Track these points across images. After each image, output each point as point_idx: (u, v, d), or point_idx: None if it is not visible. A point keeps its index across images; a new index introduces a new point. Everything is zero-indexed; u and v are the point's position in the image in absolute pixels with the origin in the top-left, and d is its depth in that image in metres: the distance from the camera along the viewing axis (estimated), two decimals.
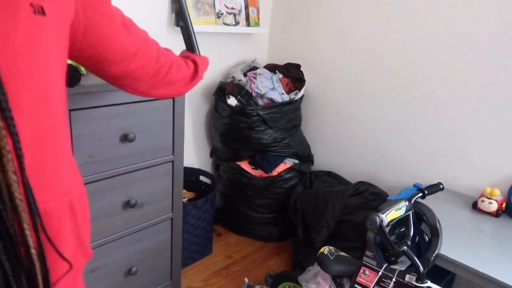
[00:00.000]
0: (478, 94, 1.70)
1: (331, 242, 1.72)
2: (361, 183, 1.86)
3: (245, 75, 2.21)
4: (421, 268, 1.11)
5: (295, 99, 2.18)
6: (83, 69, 1.17)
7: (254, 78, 2.16)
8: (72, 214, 0.71)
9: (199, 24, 1.95)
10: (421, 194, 1.26)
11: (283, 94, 2.17)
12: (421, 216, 1.27)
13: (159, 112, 1.37)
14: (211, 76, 2.25)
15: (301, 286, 1.44)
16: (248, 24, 2.20)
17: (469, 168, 1.77)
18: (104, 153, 1.25)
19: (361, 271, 1.24)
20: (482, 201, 1.59)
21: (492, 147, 1.69)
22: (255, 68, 2.30)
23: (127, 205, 1.37)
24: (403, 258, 1.24)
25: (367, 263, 1.24)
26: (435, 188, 1.30)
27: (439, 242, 1.19)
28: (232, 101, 2.06)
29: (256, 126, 2.05)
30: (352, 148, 2.21)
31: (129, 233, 1.42)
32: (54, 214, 0.65)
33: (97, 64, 0.78)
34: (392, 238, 1.24)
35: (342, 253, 1.36)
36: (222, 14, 2.05)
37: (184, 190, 2.16)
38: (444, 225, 1.38)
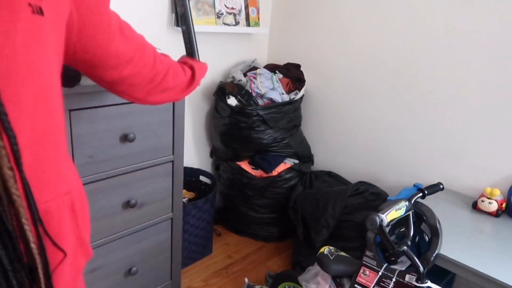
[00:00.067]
0: (478, 94, 1.70)
1: (331, 242, 1.72)
2: (361, 183, 1.86)
3: (245, 75, 2.21)
4: (421, 268, 1.11)
5: (295, 99, 2.18)
6: None
7: (254, 78, 2.16)
8: (73, 214, 0.71)
9: (199, 24, 1.95)
10: (421, 194, 1.26)
11: (283, 94, 2.17)
12: (421, 216, 1.27)
13: (159, 112, 1.37)
14: (211, 76, 2.25)
15: (301, 286, 1.44)
16: (248, 24, 2.20)
17: (469, 168, 1.77)
18: (104, 153, 1.25)
19: (361, 271, 1.24)
20: (482, 201, 1.59)
21: (492, 147, 1.69)
22: (255, 68, 2.30)
23: (127, 205, 1.37)
24: (403, 258, 1.24)
25: (367, 263, 1.24)
26: (435, 188, 1.30)
27: (439, 242, 1.19)
28: (232, 101, 2.06)
29: (256, 126, 2.05)
30: (352, 148, 2.21)
31: (129, 233, 1.42)
32: (55, 214, 0.66)
33: (91, 69, 0.77)
34: (392, 238, 1.24)
35: (342, 253, 1.36)
36: (222, 14, 2.05)
37: (184, 190, 2.17)
38: (444, 225, 1.38)
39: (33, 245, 0.55)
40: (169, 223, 1.56)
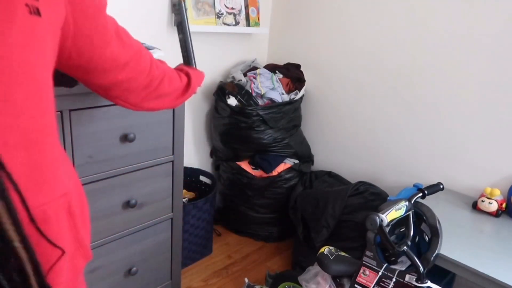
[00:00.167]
0: (478, 94, 1.70)
1: (331, 242, 1.72)
2: (361, 183, 1.86)
3: (245, 75, 2.21)
4: (421, 268, 1.11)
5: (295, 99, 2.18)
6: None
7: (254, 78, 2.16)
8: (70, 216, 0.70)
9: (199, 24, 1.95)
10: (421, 194, 1.26)
11: (283, 94, 2.17)
12: (421, 216, 1.27)
13: (159, 112, 1.37)
14: (211, 76, 2.25)
15: (301, 286, 1.44)
16: (248, 24, 2.20)
17: (469, 168, 1.77)
18: (104, 153, 1.25)
19: (361, 271, 1.24)
20: (482, 201, 1.59)
21: (492, 147, 1.69)
22: (255, 68, 2.30)
23: (127, 205, 1.37)
24: (403, 258, 1.24)
25: (367, 263, 1.24)
26: (435, 188, 1.30)
27: (439, 242, 1.19)
28: (232, 101, 2.06)
29: (256, 126, 2.05)
30: (352, 148, 2.21)
31: (129, 233, 1.42)
32: (52, 216, 0.65)
33: (86, 74, 0.77)
34: (392, 238, 1.24)
35: (342, 253, 1.36)
36: (222, 14, 2.05)
37: (184, 190, 2.17)
38: (444, 225, 1.38)
39: (17, 244, 0.54)
40: (169, 223, 1.56)
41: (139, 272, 1.51)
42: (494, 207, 1.57)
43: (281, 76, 2.26)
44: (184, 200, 2.08)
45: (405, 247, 1.12)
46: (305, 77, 2.27)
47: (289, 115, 2.14)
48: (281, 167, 2.15)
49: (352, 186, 1.83)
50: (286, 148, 2.14)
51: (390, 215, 1.13)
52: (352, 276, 1.26)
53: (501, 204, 1.57)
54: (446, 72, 1.77)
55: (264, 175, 2.14)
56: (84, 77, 0.78)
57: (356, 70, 2.10)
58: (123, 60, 0.79)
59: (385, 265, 1.21)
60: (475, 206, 1.63)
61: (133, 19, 1.79)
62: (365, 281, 1.22)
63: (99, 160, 1.25)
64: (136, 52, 0.82)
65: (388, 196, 1.84)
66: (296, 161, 2.20)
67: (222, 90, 2.12)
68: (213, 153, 2.37)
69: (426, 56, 1.82)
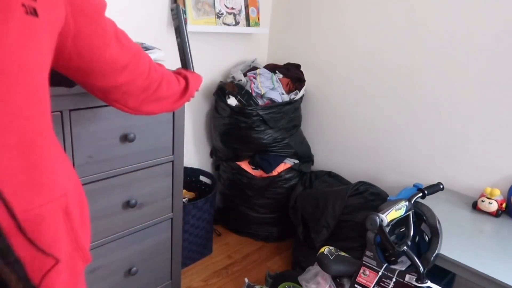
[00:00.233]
0: (478, 94, 1.70)
1: (331, 242, 1.72)
2: (361, 183, 1.86)
3: (245, 75, 2.21)
4: (421, 268, 1.11)
5: (295, 99, 2.18)
6: None
7: (254, 78, 2.16)
8: (67, 217, 0.69)
9: (199, 24, 1.95)
10: (421, 194, 1.26)
11: (283, 94, 2.17)
12: (421, 216, 1.27)
13: None
14: (211, 76, 2.25)
15: (301, 286, 1.44)
16: (248, 24, 2.20)
17: (469, 168, 1.77)
18: (104, 153, 1.25)
19: (361, 271, 1.24)
20: (482, 201, 1.59)
21: (492, 147, 1.69)
22: (255, 68, 2.30)
23: (127, 205, 1.37)
24: (403, 258, 1.24)
25: (367, 263, 1.24)
26: (435, 188, 1.30)
27: (439, 242, 1.19)
28: (232, 101, 2.06)
29: (256, 126, 2.05)
30: (352, 148, 2.21)
31: (129, 233, 1.42)
32: (49, 218, 0.64)
33: (85, 77, 0.76)
34: (392, 238, 1.24)
35: (342, 253, 1.36)
36: (222, 14, 2.05)
37: (184, 190, 2.17)
38: (444, 225, 1.38)
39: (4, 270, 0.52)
40: (169, 223, 1.56)
41: (139, 272, 1.51)
42: (494, 207, 1.57)
43: (281, 76, 2.26)
44: (184, 200, 2.08)
45: (405, 247, 1.12)
46: (305, 77, 2.27)
47: (289, 115, 2.14)
48: (281, 167, 2.15)
49: (352, 186, 1.83)
50: (286, 148, 2.14)
51: (390, 215, 1.13)
52: (352, 276, 1.26)
53: (501, 204, 1.57)
54: (446, 72, 1.77)
55: (264, 175, 2.14)
56: (83, 79, 0.77)
57: (356, 70, 2.10)
58: (122, 62, 0.78)
59: (385, 265, 1.21)
60: (475, 206, 1.63)
61: (133, 19, 1.79)
62: (365, 281, 1.22)
63: (99, 160, 1.25)
64: (135, 55, 0.82)
65: (388, 196, 1.84)
66: (296, 161, 2.20)
67: (222, 90, 2.12)
68: (213, 153, 2.37)
69: (426, 56, 1.82)
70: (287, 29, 2.38)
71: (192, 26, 1.90)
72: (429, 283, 1.12)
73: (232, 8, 2.11)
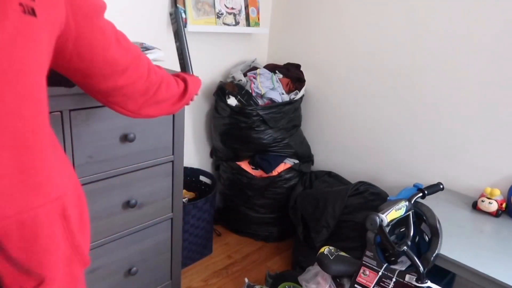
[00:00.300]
0: (478, 94, 1.70)
1: (331, 242, 1.72)
2: (361, 183, 1.86)
3: (245, 75, 2.21)
4: (421, 268, 1.11)
5: (295, 99, 2.18)
6: None
7: (254, 78, 2.16)
8: (65, 220, 0.68)
9: (199, 24, 1.95)
10: (421, 194, 1.26)
11: (283, 94, 2.17)
12: (421, 216, 1.27)
13: None
14: (211, 76, 2.25)
15: (301, 286, 1.44)
16: (248, 24, 2.20)
17: (469, 168, 1.77)
18: (104, 153, 1.25)
19: (361, 271, 1.24)
20: (482, 201, 1.59)
21: (492, 147, 1.69)
22: (255, 68, 2.30)
23: (127, 205, 1.37)
24: (403, 258, 1.24)
25: (367, 263, 1.24)
26: (435, 188, 1.30)
27: (439, 242, 1.19)
28: (232, 101, 2.06)
29: (256, 126, 2.05)
30: (352, 148, 2.21)
31: (129, 233, 1.42)
32: (44, 221, 0.63)
33: (86, 78, 0.76)
34: (392, 238, 1.24)
35: (342, 253, 1.36)
36: (222, 14, 2.05)
37: (184, 190, 2.17)
38: (444, 225, 1.38)
39: None
40: (169, 223, 1.56)
41: (139, 272, 1.51)
42: (494, 207, 1.57)
43: (281, 76, 2.26)
44: (184, 200, 2.08)
45: (405, 247, 1.12)
46: (305, 77, 2.27)
47: (289, 115, 2.14)
48: (281, 167, 2.15)
49: (352, 186, 1.83)
50: (286, 148, 2.14)
51: (390, 215, 1.13)
52: (352, 276, 1.26)
53: (501, 204, 1.57)
54: (446, 72, 1.77)
55: (264, 175, 2.14)
56: (83, 81, 0.77)
57: (356, 70, 2.10)
58: (122, 64, 0.78)
59: (385, 265, 1.21)
60: (475, 206, 1.63)
61: (133, 19, 1.79)
62: (365, 281, 1.22)
63: (99, 160, 1.25)
64: (135, 57, 0.81)
65: (388, 196, 1.84)
66: (296, 161, 2.20)
67: (222, 90, 2.12)
68: (213, 153, 2.37)
69: (426, 56, 1.82)
70: (287, 29, 2.38)
71: (192, 26, 1.90)
72: (429, 283, 1.12)
73: (232, 8, 2.11)
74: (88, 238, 0.78)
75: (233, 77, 2.17)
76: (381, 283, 1.19)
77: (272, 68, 2.33)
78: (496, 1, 1.58)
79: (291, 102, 2.14)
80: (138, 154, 1.35)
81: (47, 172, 0.64)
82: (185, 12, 1.88)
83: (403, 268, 1.22)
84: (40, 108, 0.61)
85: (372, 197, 1.80)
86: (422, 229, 1.28)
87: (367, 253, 1.25)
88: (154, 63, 1.36)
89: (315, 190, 2.00)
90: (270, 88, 2.13)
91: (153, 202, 1.46)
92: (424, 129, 1.90)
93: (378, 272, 1.21)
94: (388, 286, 1.18)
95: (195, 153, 2.35)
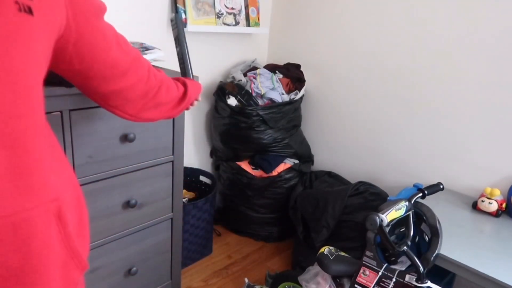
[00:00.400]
0: (478, 94, 1.70)
1: (331, 242, 1.72)
2: (361, 183, 1.86)
3: (245, 75, 2.21)
4: (421, 268, 1.11)
5: (295, 99, 2.18)
6: None
7: (254, 78, 2.16)
8: (60, 222, 0.66)
9: (199, 24, 1.95)
10: (421, 194, 1.26)
11: (283, 94, 2.17)
12: (421, 216, 1.27)
13: None
14: (211, 76, 2.25)
15: (301, 286, 1.44)
16: (248, 24, 2.20)
17: (469, 168, 1.77)
18: (104, 153, 1.25)
19: (361, 271, 1.24)
20: (482, 201, 1.59)
21: (492, 147, 1.69)
22: (255, 68, 2.30)
23: (127, 205, 1.37)
24: (403, 258, 1.24)
25: (367, 263, 1.24)
26: (435, 188, 1.30)
27: (439, 242, 1.19)
28: (232, 101, 2.06)
29: (256, 126, 2.05)
30: (352, 148, 2.21)
31: (129, 233, 1.42)
32: (38, 223, 0.61)
33: (86, 80, 0.75)
34: (392, 238, 1.24)
35: (342, 253, 1.36)
36: (222, 14, 2.05)
37: (184, 190, 2.17)
38: (444, 225, 1.38)
39: None
40: (169, 223, 1.56)
41: (139, 272, 1.51)
42: (494, 207, 1.56)
43: (281, 76, 2.26)
44: (184, 200, 2.08)
45: (405, 247, 1.12)
46: (305, 77, 2.27)
47: (289, 115, 2.14)
48: (281, 167, 2.15)
49: (352, 186, 1.83)
50: (286, 148, 2.14)
51: (390, 215, 1.13)
52: (352, 276, 1.26)
53: (501, 204, 1.57)
54: (446, 72, 1.77)
55: (264, 175, 2.14)
56: (83, 84, 0.77)
57: (356, 70, 2.10)
58: (123, 67, 0.78)
59: (385, 265, 1.21)
60: (475, 206, 1.63)
61: (133, 19, 1.78)
62: (365, 281, 1.22)
63: (99, 160, 1.25)
64: (135, 60, 0.81)
65: (388, 196, 1.84)
66: (296, 161, 2.20)
67: (222, 90, 2.12)
68: (213, 153, 2.37)
69: (426, 56, 1.82)
70: (287, 29, 2.38)
71: (192, 26, 1.90)
72: (429, 283, 1.12)
73: (232, 8, 2.11)
74: (87, 242, 0.77)
75: (233, 77, 2.17)
76: (381, 283, 1.19)
77: (272, 68, 2.33)
78: (496, 1, 1.58)
79: (291, 102, 2.14)
80: (138, 154, 1.35)
81: (43, 173, 0.62)
82: (185, 12, 1.88)
83: (403, 268, 1.22)
84: (36, 107, 0.60)
85: (372, 197, 1.80)
86: (422, 229, 1.28)
87: (367, 253, 1.25)
88: (154, 63, 1.36)
89: (315, 190, 2.00)
90: (270, 88, 2.13)
91: (153, 202, 1.46)
92: (424, 129, 1.90)
93: (378, 272, 1.21)
94: (388, 286, 1.18)
95: (195, 153, 2.35)
